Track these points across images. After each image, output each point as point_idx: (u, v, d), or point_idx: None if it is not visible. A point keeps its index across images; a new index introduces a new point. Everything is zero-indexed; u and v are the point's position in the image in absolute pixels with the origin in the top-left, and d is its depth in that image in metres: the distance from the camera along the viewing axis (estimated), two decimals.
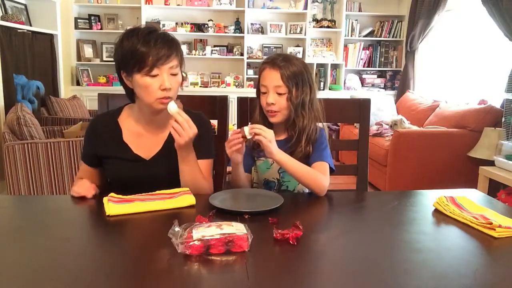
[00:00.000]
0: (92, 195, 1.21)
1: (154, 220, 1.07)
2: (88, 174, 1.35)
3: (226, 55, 5.17)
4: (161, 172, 1.19)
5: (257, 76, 1.41)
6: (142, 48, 1.17)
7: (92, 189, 1.23)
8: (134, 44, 1.18)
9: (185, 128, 1.16)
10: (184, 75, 1.31)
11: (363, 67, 5.35)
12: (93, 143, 1.33)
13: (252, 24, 5.17)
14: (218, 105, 1.58)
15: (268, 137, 1.21)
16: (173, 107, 1.17)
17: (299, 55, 5.20)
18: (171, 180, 1.16)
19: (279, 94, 1.31)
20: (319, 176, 1.28)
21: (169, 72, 1.21)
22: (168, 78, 1.20)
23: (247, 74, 5.17)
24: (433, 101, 4.10)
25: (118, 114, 1.35)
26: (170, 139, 1.33)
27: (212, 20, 5.06)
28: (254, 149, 1.38)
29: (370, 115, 1.60)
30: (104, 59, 5.10)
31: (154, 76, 1.19)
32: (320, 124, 1.40)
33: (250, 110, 1.51)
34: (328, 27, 5.16)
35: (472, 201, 1.20)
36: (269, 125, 1.34)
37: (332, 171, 1.35)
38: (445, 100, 4.01)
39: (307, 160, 1.35)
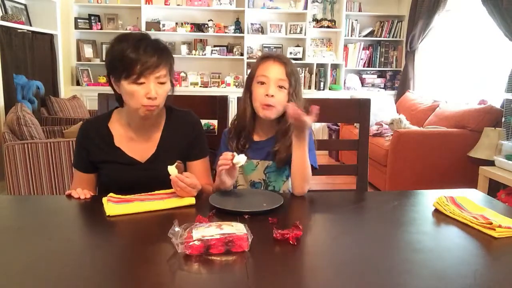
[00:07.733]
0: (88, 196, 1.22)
1: (154, 220, 1.07)
2: (84, 182, 1.33)
3: (226, 55, 5.17)
4: (158, 174, 1.19)
5: None
6: (131, 55, 1.16)
7: (87, 193, 1.23)
8: (123, 49, 1.17)
9: (187, 192, 1.16)
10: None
11: (363, 67, 5.34)
12: (86, 149, 1.32)
13: (252, 24, 5.17)
14: (218, 105, 1.58)
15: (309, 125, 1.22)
16: (172, 172, 1.15)
17: (299, 55, 5.20)
18: (169, 181, 1.16)
19: (280, 87, 1.30)
20: (310, 175, 1.29)
21: (156, 81, 1.20)
22: (154, 87, 1.19)
23: (247, 74, 5.14)
24: (433, 101, 4.10)
25: (108, 119, 1.34)
26: (163, 141, 1.33)
27: (212, 20, 5.06)
28: (238, 151, 1.34)
29: (370, 115, 1.60)
30: (104, 59, 5.08)
31: (141, 83, 1.19)
32: None
33: None
34: (328, 27, 5.16)
35: (472, 201, 1.20)
36: (257, 125, 1.36)
37: (314, 169, 1.32)
38: (445, 100, 4.01)
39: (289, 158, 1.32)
